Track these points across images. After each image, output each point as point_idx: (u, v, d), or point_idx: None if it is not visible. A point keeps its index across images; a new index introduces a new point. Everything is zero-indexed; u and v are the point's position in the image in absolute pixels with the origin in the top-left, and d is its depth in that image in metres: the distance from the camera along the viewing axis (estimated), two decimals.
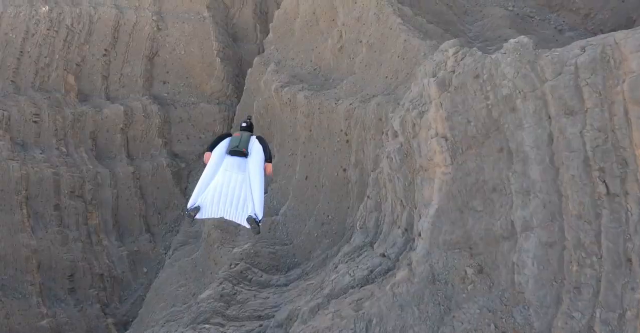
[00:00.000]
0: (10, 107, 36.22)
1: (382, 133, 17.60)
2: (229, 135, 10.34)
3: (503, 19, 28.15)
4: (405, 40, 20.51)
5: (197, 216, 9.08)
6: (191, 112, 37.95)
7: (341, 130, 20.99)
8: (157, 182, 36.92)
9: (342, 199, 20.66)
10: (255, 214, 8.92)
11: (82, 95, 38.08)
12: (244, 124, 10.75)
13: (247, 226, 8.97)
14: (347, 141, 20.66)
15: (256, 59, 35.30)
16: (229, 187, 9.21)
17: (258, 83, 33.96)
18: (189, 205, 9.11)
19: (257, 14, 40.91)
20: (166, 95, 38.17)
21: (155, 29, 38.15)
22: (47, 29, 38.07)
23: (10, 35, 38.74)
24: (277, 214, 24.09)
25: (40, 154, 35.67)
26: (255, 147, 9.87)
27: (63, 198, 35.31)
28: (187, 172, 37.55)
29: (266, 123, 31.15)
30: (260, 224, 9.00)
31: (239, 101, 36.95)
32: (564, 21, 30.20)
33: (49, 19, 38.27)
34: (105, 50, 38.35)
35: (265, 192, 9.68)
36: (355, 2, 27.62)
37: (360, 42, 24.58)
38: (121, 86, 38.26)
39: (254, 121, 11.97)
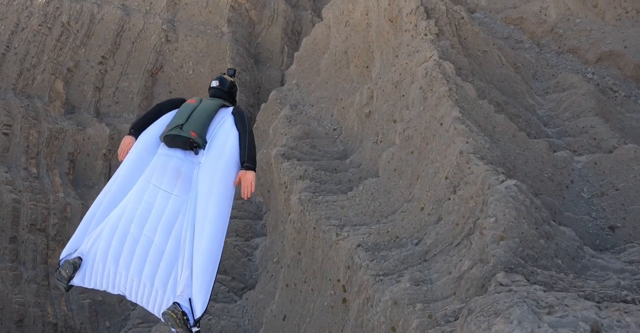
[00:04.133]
0: None
1: None
2: (183, 102, 5.32)
3: (586, 97, 19.62)
4: (461, 152, 12.10)
5: (75, 281, 4.39)
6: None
7: (338, 281, 12.73)
8: None
9: None
10: (187, 303, 4.09)
11: (69, 106, 30.30)
12: (215, 83, 5.68)
13: (171, 327, 4.03)
14: (344, 301, 12.40)
15: (273, 93, 27.18)
16: (145, 228, 4.42)
17: (269, 125, 25.85)
18: (62, 255, 4.55)
19: (287, 34, 32.56)
20: None
21: (163, 39, 30.12)
22: (39, 25, 30.28)
23: None
24: None
25: (5, 172, 28.10)
26: (223, 133, 4.94)
27: (21, 231, 27.82)
28: None
29: (267, 183, 23.04)
30: (198, 329, 4.10)
31: None
32: None
33: (44, 13, 30.49)
34: (103, 57, 30.49)
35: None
36: (397, 56, 19.22)
37: (394, 122, 16.25)
38: (114, 102, 30.40)
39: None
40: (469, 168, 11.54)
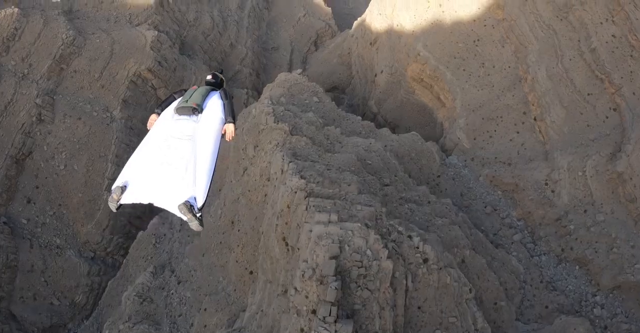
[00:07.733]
0: None
1: None
2: (187, 90, 7.51)
3: None
4: None
5: (123, 200, 6.21)
6: (50, 261, 20.83)
7: None
8: None
9: None
10: (192, 199, 6.03)
11: None
12: (209, 77, 7.84)
13: (183, 217, 6.02)
14: None
15: (153, 222, 18.46)
16: (167, 160, 6.41)
17: (134, 273, 16.94)
18: (114, 185, 6.27)
19: None
20: (25, 222, 20.88)
21: (35, 118, 20.77)
22: None
23: None
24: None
25: None
26: (212, 103, 7.16)
27: None
28: None
29: None
30: (200, 214, 5.94)
31: (121, 264, 20.18)
32: None
33: None
34: None
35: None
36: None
37: None
38: None
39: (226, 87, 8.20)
40: None
